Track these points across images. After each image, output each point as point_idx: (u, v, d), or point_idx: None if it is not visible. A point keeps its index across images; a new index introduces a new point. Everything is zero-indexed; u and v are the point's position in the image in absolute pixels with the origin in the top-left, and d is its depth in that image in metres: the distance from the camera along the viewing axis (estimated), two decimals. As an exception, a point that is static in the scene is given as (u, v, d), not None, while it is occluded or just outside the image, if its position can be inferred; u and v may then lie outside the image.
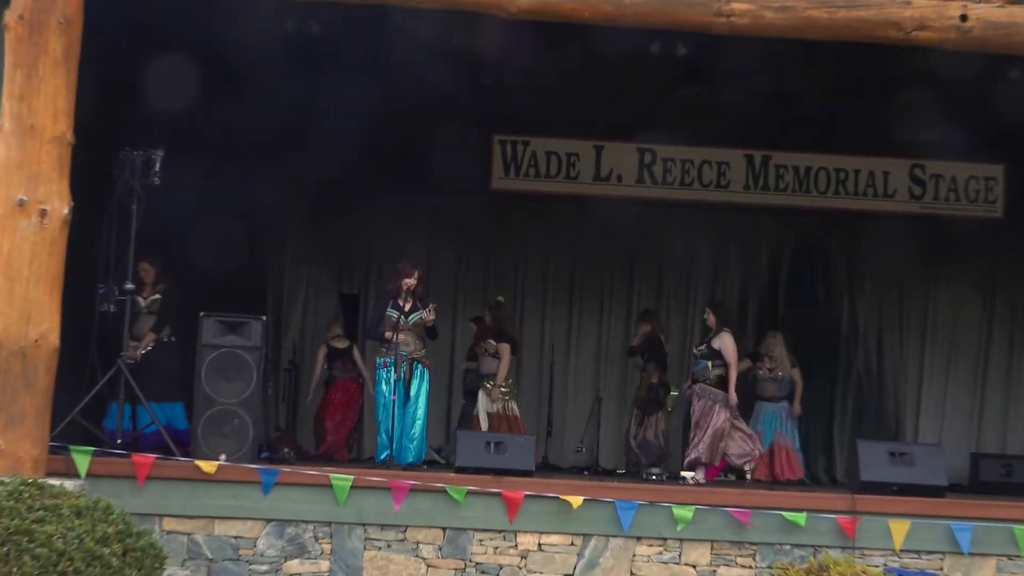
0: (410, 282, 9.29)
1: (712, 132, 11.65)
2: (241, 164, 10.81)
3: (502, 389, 10.33)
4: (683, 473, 9.60)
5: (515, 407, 10.37)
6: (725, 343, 9.75)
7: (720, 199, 12.12)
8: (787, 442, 10.97)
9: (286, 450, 9.33)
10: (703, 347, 9.94)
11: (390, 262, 10.13)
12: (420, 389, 9.22)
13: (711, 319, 9.98)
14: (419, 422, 9.18)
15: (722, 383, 9.73)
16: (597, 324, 12.32)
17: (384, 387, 9.17)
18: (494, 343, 10.34)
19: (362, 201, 11.70)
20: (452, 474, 8.26)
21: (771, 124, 11.57)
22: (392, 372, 9.10)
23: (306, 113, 10.59)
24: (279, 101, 10.42)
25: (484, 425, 10.23)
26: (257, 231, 11.50)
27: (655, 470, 9.61)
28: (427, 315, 9.16)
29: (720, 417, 9.64)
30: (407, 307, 9.27)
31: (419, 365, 9.26)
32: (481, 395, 10.45)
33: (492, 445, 8.46)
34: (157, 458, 7.89)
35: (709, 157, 12.14)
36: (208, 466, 7.91)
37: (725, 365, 9.72)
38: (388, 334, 9.17)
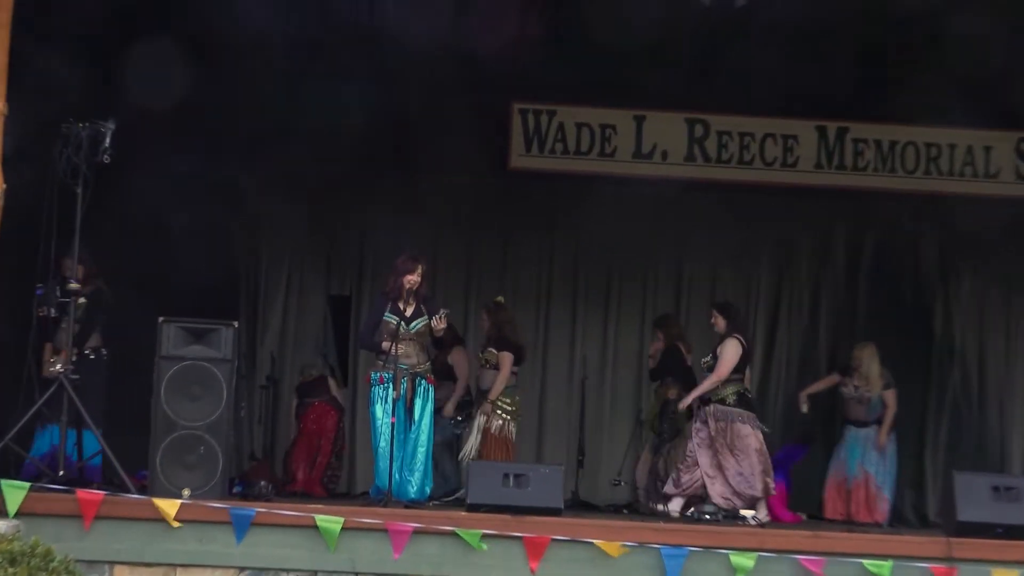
0: (412, 280, 9.28)
1: (777, 99, 11.75)
2: (209, 140, 10.92)
3: (503, 406, 10.25)
4: (742, 512, 9.61)
5: (513, 430, 10.35)
6: (726, 351, 9.85)
7: (786, 180, 12.16)
8: (868, 477, 10.92)
9: (263, 484, 9.37)
10: (709, 358, 10.01)
11: (388, 257, 10.18)
12: (424, 410, 9.24)
13: (719, 323, 10.07)
14: (423, 450, 9.19)
15: (742, 401, 9.81)
16: (638, 332, 12.34)
17: (380, 408, 9.16)
18: (495, 351, 10.34)
19: (354, 184, 11.80)
20: (463, 513, 8.29)
21: (848, 89, 11.61)
22: (390, 390, 9.10)
23: (287, 79, 10.72)
24: (256, 65, 10.60)
25: (470, 449, 10.25)
26: (228, 220, 11.58)
27: (709, 508, 9.63)
28: (437, 323, 9.16)
29: (753, 437, 9.71)
30: (408, 311, 9.28)
31: (423, 381, 9.27)
32: (478, 416, 10.44)
33: (512, 478, 8.48)
34: (107, 494, 7.91)
35: (773, 129, 12.18)
36: (168, 504, 7.90)
37: (739, 379, 9.84)
38: (386, 344, 9.16)
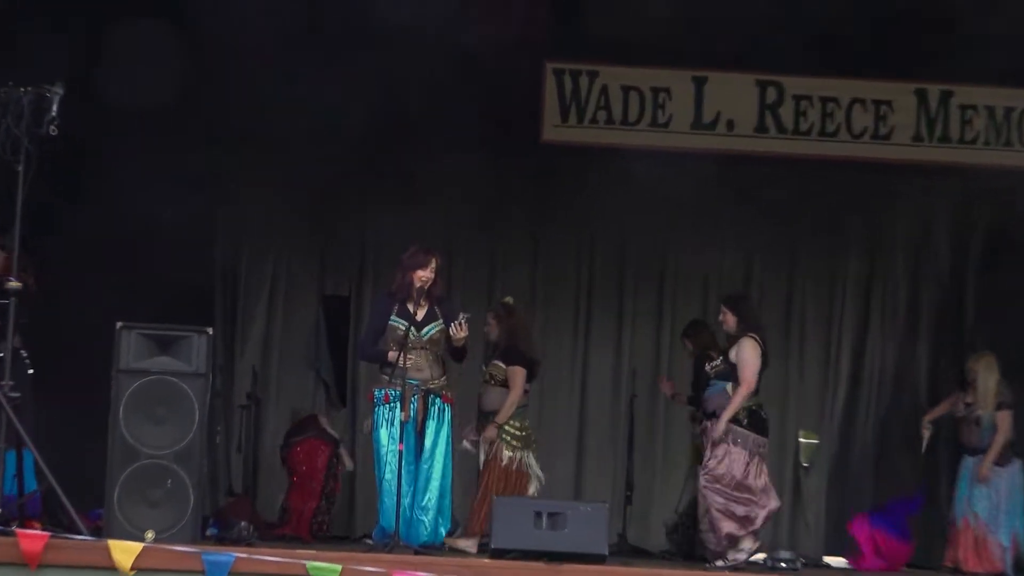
0: (424, 276, 9.26)
1: (866, 56, 11.79)
2: (181, 118, 11.13)
3: (511, 431, 10.19)
4: (826, 559, 9.61)
5: (532, 461, 10.29)
6: (744, 353, 9.80)
7: (879, 155, 12.18)
8: (976, 515, 10.82)
9: (243, 525, 9.38)
10: (718, 362, 10.02)
11: (394, 251, 10.17)
12: (439, 435, 9.26)
13: (728, 320, 10.04)
14: (436, 483, 9.23)
15: (753, 420, 9.78)
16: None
17: (385, 432, 9.17)
18: (502, 365, 10.28)
19: (355, 166, 11.86)
20: (486, 561, 8.35)
21: (952, 45, 11.50)
22: (397, 410, 9.09)
23: (283, 39, 10.95)
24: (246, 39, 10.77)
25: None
26: (203, 208, 11.58)
27: (785, 555, 9.67)
28: (457, 331, 9.12)
29: (741, 460, 9.69)
30: (420, 314, 9.27)
31: (437, 399, 9.26)
32: (481, 444, 10.34)
33: (545, 517, 8.49)
34: (52, 536, 7.86)
35: (863, 93, 12.18)
36: (126, 549, 7.83)
37: (754, 391, 9.83)
38: (392, 354, 9.13)
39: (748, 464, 9.65)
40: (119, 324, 8.64)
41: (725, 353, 9.94)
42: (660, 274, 12.47)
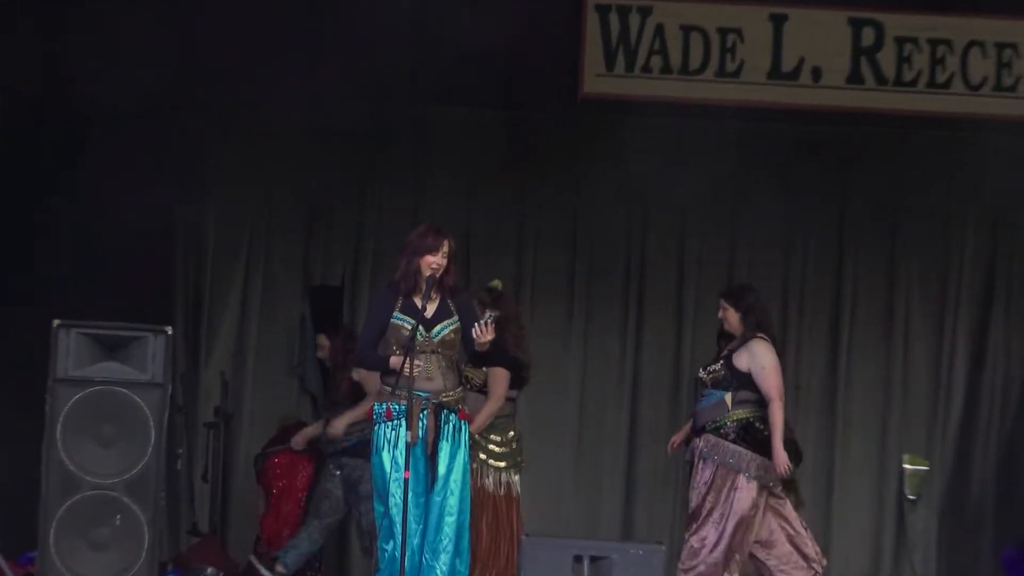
0: (435, 262, 9.11)
1: None
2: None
3: (492, 448, 10.29)
4: None
5: (517, 483, 10.42)
6: (759, 357, 9.85)
7: (1002, 111, 12.17)
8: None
9: (210, 572, 9.74)
10: (716, 366, 10.04)
11: (399, 232, 10.19)
12: (455, 460, 9.12)
13: (730, 318, 10.11)
14: (452, 519, 9.08)
15: (752, 436, 9.75)
16: (792, 335, 12.45)
17: (387, 457, 9.02)
18: (483, 368, 10.39)
19: (353, 119, 11.93)
20: None
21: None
22: (402, 429, 8.97)
23: None
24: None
25: None
26: (160, 178, 11.60)
27: None
28: (480, 333, 8.91)
29: (744, 496, 9.75)
30: (430, 310, 9.14)
31: (452, 416, 9.11)
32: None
33: (587, 563, 8.63)
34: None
35: (980, 34, 12.17)
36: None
37: (757, 401, 9.82)
38: (395, 359, 8.99)
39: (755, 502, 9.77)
40: (56, 322, 8.80)
41: (727, 357, 9.94)
42: (729, 252, 12.58)
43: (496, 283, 10.78)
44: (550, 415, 12.33)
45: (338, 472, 10.99)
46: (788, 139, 11.94)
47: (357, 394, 10.88)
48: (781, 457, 9.65)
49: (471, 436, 9.81)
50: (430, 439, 8.99)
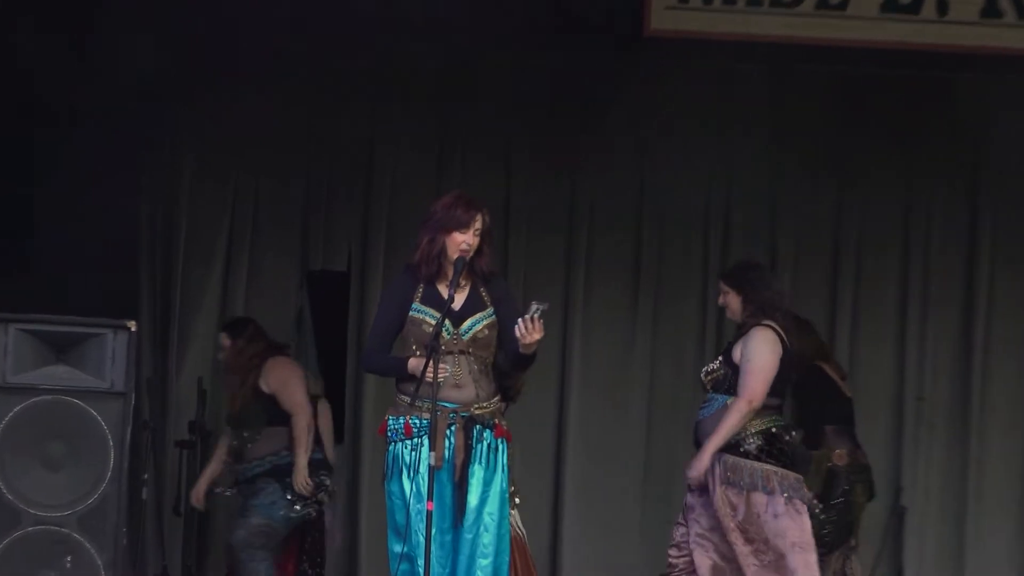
0: (465, 241, 9.08)
1: None
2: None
3: None
4: None
5: (518, 521, 10.52)
6: (750, 349, 10.02)
7: None
8: None
9: None
10: (715, 365, 10.30)
11: (421, 200, 10.53)
12: (491, 488, 9.11)
13: (731, 303, 10.35)
14: (489, 562, 9.05)
15: (772, 447, 9.94)
16: (897, 319, 12.82)
17: (405, 484, 9.04)
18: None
19: (367, 61, 12.44)
20: None
21: None
22: (424, 449, 8.96)
23: None
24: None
25: None
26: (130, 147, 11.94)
27: None
28: (528, 331, 8.83)
29: (790, 520, 9.92)
30: (459, 300, 9.13)
31: (486, 432, 9.09)
32: None
33: None
34: None
35: None
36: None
37: (776, 405, 10.11)
38: (414, 362, 8.98)
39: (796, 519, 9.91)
40: (-9, 316, 9.02)
41: (725, 352, 10.18)
42: (833, 233, 12.85)
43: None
44: (610, 438, 12.57)
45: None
46: (906, 87, 12.00)
47: (270, 411, 11.09)
48: (699, 465, 9.85)
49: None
50: (458, 462, 8.94)
